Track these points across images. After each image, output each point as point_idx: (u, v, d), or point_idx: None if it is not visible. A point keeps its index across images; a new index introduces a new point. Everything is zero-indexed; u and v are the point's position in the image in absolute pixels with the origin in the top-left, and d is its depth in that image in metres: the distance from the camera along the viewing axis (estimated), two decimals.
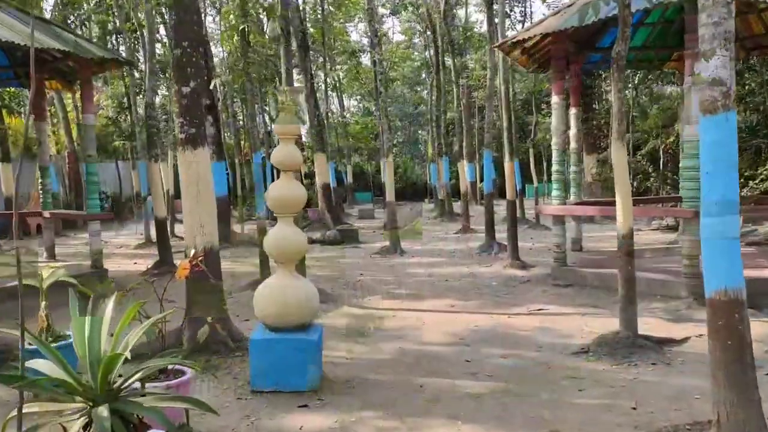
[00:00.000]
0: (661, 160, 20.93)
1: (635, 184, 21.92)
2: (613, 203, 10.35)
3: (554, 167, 8.63)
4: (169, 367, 3.69)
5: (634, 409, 4.02)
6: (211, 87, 9.96)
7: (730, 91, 3.45)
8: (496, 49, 11.46)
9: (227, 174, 21.42)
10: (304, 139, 30.87)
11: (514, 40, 8.53)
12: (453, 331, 6.20)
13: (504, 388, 4.51)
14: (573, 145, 9.73)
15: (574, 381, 4.61)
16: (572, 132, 9.66)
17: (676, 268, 7.64)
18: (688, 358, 5.07)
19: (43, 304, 4.09)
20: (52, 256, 9.92)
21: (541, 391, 4.40)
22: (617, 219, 5.35)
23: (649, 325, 5.93)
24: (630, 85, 28.88)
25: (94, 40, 18.64)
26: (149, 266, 10.32)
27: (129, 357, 2.54)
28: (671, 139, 20.68)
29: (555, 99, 8.55)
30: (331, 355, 5.34)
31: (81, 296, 3.27)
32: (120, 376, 4.34)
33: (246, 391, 4.48)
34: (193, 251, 3.71)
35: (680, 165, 10.62)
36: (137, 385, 3.30)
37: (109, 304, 2.85)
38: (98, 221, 9.10)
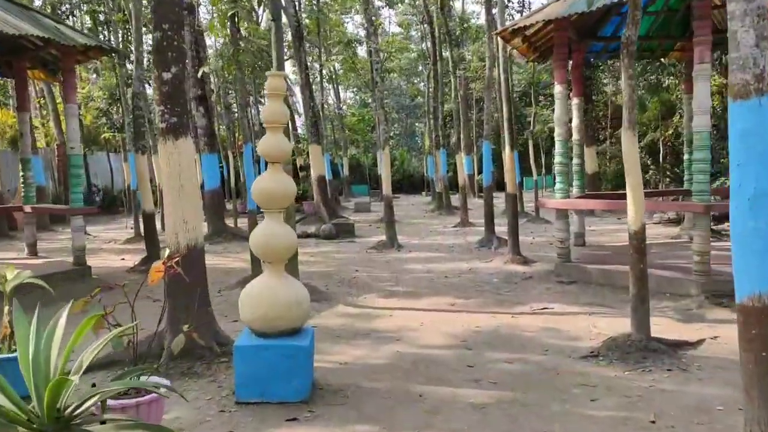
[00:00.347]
0: (661, 152, 20.61)
1: None
2: (617, 196, 10.06)
3: (557, 159, 8.28)
4: (143, 378, 3.36)
5: (653, 422, 3.69)
6: (199, 75, 9.55)
7: (764, 73, 3.10)
8: (495, 38, 11.10)
9: (221, 167, 21.04)
10: (299, 131, 30.53)
11: (515, 27, 8.16)
12: (453, 332, 5.87)
13: (510, 397, 4.18)
14: (575, 136, 9.39)
15: (586, 389, 4.28)
16: (575, 123, 9.31)
17: (685, 265, 7.34)
18: (704, 363, 4.75)
19: (6, 309, 3.73)
20: (33, 252, 9.54)
21: (550, 401, 4.07)
22: (628, 214, 5.01)
23: (660, 326, 5.60)
24: None
25: (85, 31, 18.18)
26: (136, 263, 9.96)
27: (77, 381, 2.18)
28: (670, 132, 20.36)
29: (558, 88, 8.18)
30: (323, 360, 5.01)
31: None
32: (94, 386, 4.00)
33: (230, 402, 4.13)
34: (167, 251, 3.34)
35: (686, 157, 10.30)
36: (110, 401, 2.96)
37: (63, 313, 2.49)
38: (81, 216, 8.71)
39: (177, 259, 3.36)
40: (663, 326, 5.65)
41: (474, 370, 4.77)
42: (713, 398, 4.05)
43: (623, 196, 9.89)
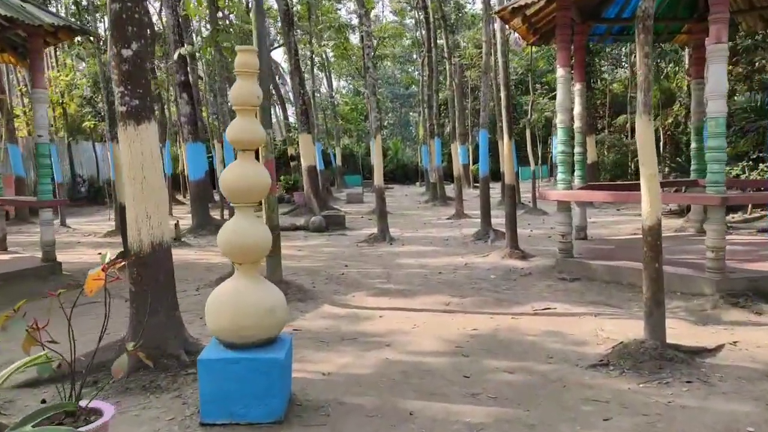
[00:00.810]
0: (661, 141, 20.16)
1: (632, 166, 21.21)
2: (623, 187, 9.57)
3: (560, 147, 7.78)
4: (82, 404, 2.86)
5: None
6: (175, 57, 8.97)
7: None
8: (492, 21, 10.59)
9: (210, 156, 20.47)
10: (291, 119, 29.90)
11: (515, 6, 7.63)
12: (448, 336, 5.38)
13: (512, 415, 3.69)
14: (577, 124, 8.87)
15: (597, 406, 3.79)
16: (577, 110, 8.78)
17: (695, 260, 6.88)
18: (726, 373, 4.27)
19: None
20: (2, 247, 8.99)
21: (558, 421, 3.59)
22: (642, 207, 4.52)
23: (673, 329, 5.11)
24: (626, 64, 28.05)
25: (70, 18, 17.52)
26: (112, 258, 9.40)
27: None
28: (670, 120, 19.90)
29: (560, 72, 7.66)
30: (303, 370, 4.51)
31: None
32: (44, 402, 3.48)
33: (195, 422, 3.63)
34: (108, 255, 2.82)
35: (693, 146, 9.81)
36: None
37: None
38: (50, 209, 8.17)
39: (122, 263, 2.84)
40: (676, 329, 5.18)
41: (471, 381, 4.28)
42: (742, 416, 3.57)
43: (629, 187, 9.40)
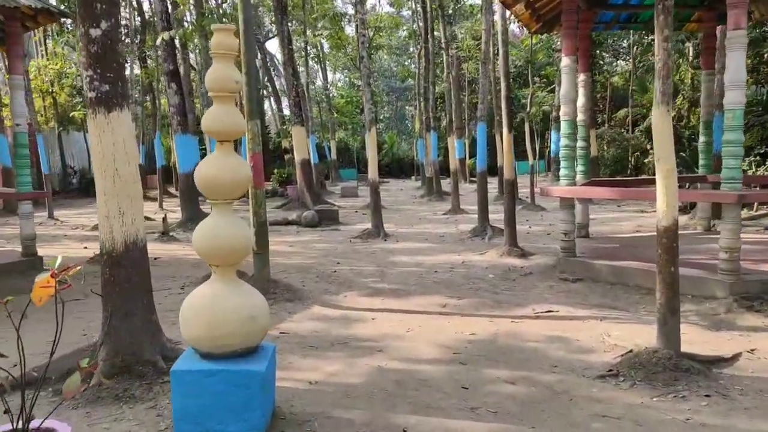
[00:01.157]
0: None
1: (632, 162, 20.90)
2: (632, 183, 9.22)
3: (563, 141, 7.42)
4: (34, 423, 2.54)
5: None
6: (157, 42, 8.58)
7: None
8: (491, 9, 10.23)
9: (203, 148, 20.08)
10: (286, 112, 29.46)
11: None
12: (445, 341, 5.04)
13: None
14: (581, 117, 8.52)
15: (608, 423, 3.46)
16: (580, 102, 8.43)
17: (704, 261, 6.56)
18: (746, 385, 3.95)
19: None
20: None
21: None
22: (658, 206, 4.19)
23: (685, 334, 4.76)
24: (629, 58, 27.70)
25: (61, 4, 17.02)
26: (97, 252, 9.04)
27: None
28: (672, 114, 19.60)
29: (565, 61, 7.30)
30: (289, 378, 4.18)
31: None
32: (7, 413, 3.13)
33: None
34: (59, 260, 2.45)
35: (701, 140, 9.50)
36: None
37: None
38: (30, 202, 7.79)
39: (76, 269, 2.49)
40: (687, 334, 4.82)
41: (469, 393, 3.94)
42: None
43: (633, 183, 9.05)
